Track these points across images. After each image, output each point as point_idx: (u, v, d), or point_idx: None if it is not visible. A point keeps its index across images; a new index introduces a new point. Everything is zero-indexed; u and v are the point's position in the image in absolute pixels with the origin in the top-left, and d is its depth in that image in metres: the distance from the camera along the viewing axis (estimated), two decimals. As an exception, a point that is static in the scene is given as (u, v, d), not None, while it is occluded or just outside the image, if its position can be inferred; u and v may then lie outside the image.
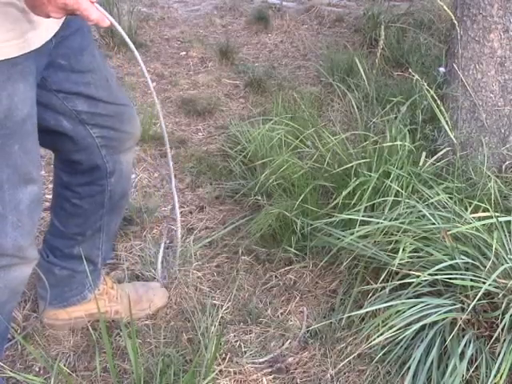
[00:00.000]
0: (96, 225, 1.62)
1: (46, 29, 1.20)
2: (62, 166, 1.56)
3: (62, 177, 1.56)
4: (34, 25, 1.14)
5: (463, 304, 1.50)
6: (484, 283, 1.44)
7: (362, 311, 1.63)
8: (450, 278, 1.50)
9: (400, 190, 1.77)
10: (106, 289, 1.75)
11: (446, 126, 1.68)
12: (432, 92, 1.70)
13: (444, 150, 1.97)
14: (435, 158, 1.98)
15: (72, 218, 1.62)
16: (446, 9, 1.79)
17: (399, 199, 1.73)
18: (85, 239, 1.63)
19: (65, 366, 1.63)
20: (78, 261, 1.63)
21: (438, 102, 1.71)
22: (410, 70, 1.84)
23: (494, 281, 1.44)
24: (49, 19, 1.10)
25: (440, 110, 1.67)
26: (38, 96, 1.25)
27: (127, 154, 1.57)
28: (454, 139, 1.71)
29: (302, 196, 1.89)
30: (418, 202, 1.69)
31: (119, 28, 1.21)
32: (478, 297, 1.39)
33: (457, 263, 1.53)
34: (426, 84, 1.67)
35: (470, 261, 1.53)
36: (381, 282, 1.61)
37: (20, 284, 1.35)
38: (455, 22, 1.99)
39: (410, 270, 1.54)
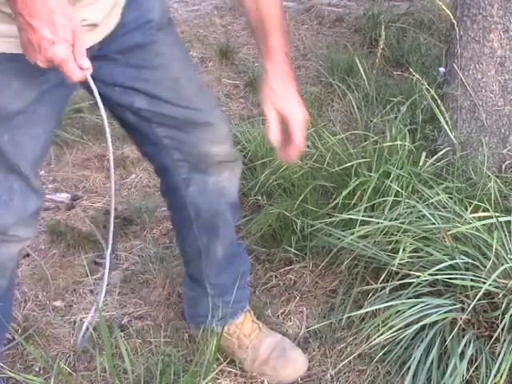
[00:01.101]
0: (194, 244, 1.54)
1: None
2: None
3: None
4: None
5: (463, 304, 1.50)
6: (484, 283, 1.44)
7: (362, 311, 1.63)
8: (450, 278, 1.50)
9: (400, 190, 1.77)
10: (237, 334, 1.64)
11: (446, 126, 1.68)
12: (432, 92, 1.70)
13: (444, 150, 1.97)
14: (435, 157, 1.98)
15: (175, 232, 1.64)
16: (445, 9, 1.79)
17: (399, 199, 1.73)
18: (189, 258, 1.61)
19: (65, 366, 1.63)
20: (191, 282, 1.63)
21: (439, 101, 1.71)
22: (410, 70, 1.84)
23: (494, 281, 1.44)
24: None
25: (440, 110, 1.67)
26: (98, 88, 1.20)
27: (218, 167, 1.45)
28: (453, 139, 1.71)
29: (302, 196, 1.89)
30: (418, 202, 1.69)
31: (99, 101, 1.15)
32: (478, 297, 1.39)
33: (457, 263, 1.53)
34: (426, 84, 1.67)
35: (470, 261, 1.53)
36: (381, 282, 1.61)
37: (7, 261, 1.32)
38: (455, 22, 1.99)
39: (410, 270, 1.54)
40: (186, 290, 1.68)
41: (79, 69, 1.03)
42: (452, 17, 1.90)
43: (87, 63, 1.04)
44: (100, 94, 1.15)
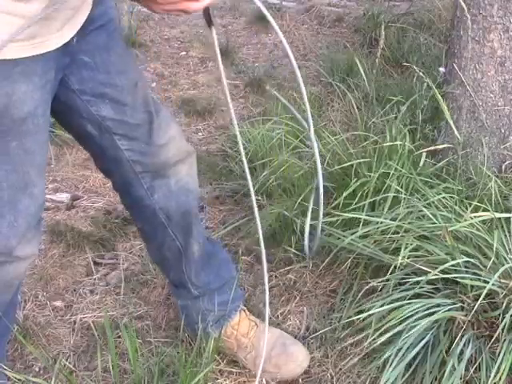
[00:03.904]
0: (173, 245, 1.53)
1: (65, 31, 1.16)
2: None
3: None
4: (48, 28, 1.11)
5: (463, 303, 1.50)
6: (485, 282, 1.44)
7: (364, 314, 1.62)
8: (451, 278, 1.50)
9: (400, 189, 1.77)
10: (234, 335, 1.62)
11: (451, 122, 1.67)
12: (435, 90, 1.70)
13: (442, 148, 1.97)
14: (435, 158, 1.98)
15: (147, 243, 1.62)
16: (442, 7, 1.78)
17: (399, 195, 1.73)
18: (170, 264, 1.59)
19: (65, 365, 1.63)
20: (176, 289, 1.62)
21: (441, 100, 1.71)
22: (413, 67, 1.84)
23: (496, 280, 1.44)
24: (67, 19, 1.10)
25: (443, 109, 1.66)
26: (61, 96, 1.22)
27: (175, 168, 1.45)
28: (458, 136, 1.70)
29: (302, 196, 1.89)
30: (418, 201, 1.69)
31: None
32: (482, 297, 1.39)
33: (457, 263, 1.53)
34: (427, 82, 1.67)
35: (470, 260, 1.53)
36: (381, 282, 1.61)
37: (14, 278, 1.32)
38: (455, 22, 1.99)
39: (410, 270, 1.54)
40: (176, 300, 1.67)
41: None
42: (453, 17, 1.90)
43: None
44: (66, 105, 1.17)
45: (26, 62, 1.11)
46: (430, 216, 1.64)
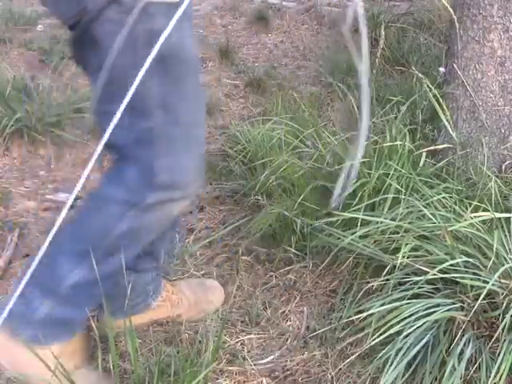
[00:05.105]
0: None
1: None
2: None
3: None
4: None
5: (463, 303, 1.50)
6: (485, 282, 1.44)
7: (364, 314, 1.62)
8: (450, 278, 1.50)
9: (400, 189, 1.78)
10: (168, 295, 1.72)
11: (447, 124, 1.68)
12: (434, 90, 1.70)
13: (442, 148, 1.97)
14: (435, 158, 1.98)
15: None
16: (442, 7, 1.79)
17: (400, 196, 1.73)
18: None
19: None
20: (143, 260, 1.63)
21: (440, 100, 1.71)
22: (412, 68, 1.84)
23: (496, 280, 1.44)
24: None
25: (442, 109, 1.66)
26: None
27: None
28: (455, 138, 1.71)
29: (302, 196, 1.89)
30: (418, 201, 1.69)
31: None
32: (481, 297, 1.39)
33: (457, 263, 1.53)
34: (427, 81, 1.67)
35: (470, 260, 1.53)
36: (381, 282, 1.61)
37: (176, 215, 1.42)
38: (455, 22, 1.99)
39: (410, 270, 1.54)
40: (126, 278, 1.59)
41: None
42: (453, 17, 1.90)
43: None
44: None
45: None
46: (430, 216, 1.64)
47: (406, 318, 1.48)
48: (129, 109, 1.05)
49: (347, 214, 1.74)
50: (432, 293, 1.55)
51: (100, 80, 1.19)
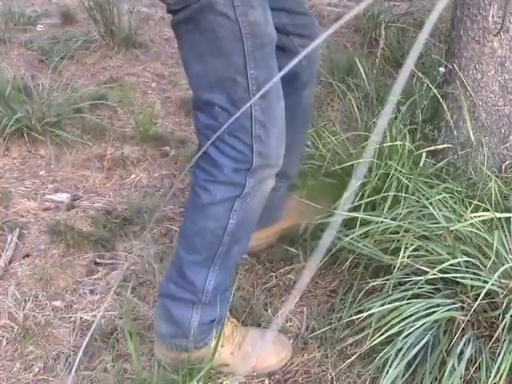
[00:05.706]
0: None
1: None
2: None
3: None
4: None
5: (463, 303, 1.50)
6: (485, 282, 1.44)
7: (364, 314, 1.62)
8: (451, 277, 1.50)
9: (400, 189, 1.77)
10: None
11: (451, 121, 1.67)
12: (434, 90, 1.70)
13: (442, 148, 1.96)
14: (435, 158, 1.97)
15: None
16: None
17: (400, 195, 1.73)
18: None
19: (65, 365, 1.63)
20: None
21: (441, 100, 1.70)
22: (413, 68, 1.84)
23: (496, 280, 1.44)
24: None
25: (442, 109, 1.66)
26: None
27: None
28: (456, 136, 1.71)
29: (302, 196, 1.88)
30: (418, 202, 1.69)
31: None
32: (481, 297, 1.39)
33: (457, 262, 1.53)
34: (427, 82, 1.67)
35: (470, 260, 1.53)
36: (381, 282, 1.61)
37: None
38: (455, 22, 1.98)
39: (410, 270, 1.54)
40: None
41: None
42: (453, 17, 1.90)
43: None
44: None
45: None
46: (434, 214, 1.63)
47: (406, 318, 1.48)
48: (229, 100, 1.23)
49: (346, 214, 1.74)
50: (432, 293, 1.55)
51: (198, 69, 1.32)
